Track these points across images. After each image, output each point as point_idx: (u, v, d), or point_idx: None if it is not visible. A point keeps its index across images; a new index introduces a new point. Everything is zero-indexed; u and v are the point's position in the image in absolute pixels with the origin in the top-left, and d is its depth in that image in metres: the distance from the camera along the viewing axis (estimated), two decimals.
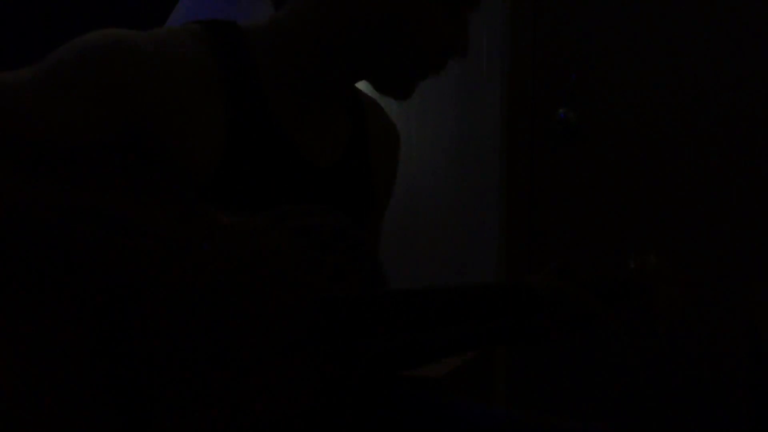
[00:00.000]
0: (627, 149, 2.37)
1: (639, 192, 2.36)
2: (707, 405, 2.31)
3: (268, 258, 0.84)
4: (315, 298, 0.86)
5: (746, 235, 2.26)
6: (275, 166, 0.93)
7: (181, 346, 0.80)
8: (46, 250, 0.76)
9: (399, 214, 2.43)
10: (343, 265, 0.89)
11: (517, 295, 1.01)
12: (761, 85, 2.25)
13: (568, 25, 2.42)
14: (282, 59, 0.96)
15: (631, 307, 1.08)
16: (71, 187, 0.79)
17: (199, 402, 0.81)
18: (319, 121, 1.00)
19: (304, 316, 0.85)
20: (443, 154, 2.47)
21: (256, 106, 0.93)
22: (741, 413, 2.26)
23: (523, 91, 2.43)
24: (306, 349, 0.86)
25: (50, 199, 0.78)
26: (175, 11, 1.77)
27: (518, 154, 2.43)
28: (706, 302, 2.21)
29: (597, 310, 1.02)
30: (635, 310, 1.07)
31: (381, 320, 0.90)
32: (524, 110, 2.43)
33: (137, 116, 0.85)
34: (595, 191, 2.40)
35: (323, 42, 0.96)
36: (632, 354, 2.35)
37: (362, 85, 1.07)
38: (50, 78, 0.83)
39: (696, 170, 2.31)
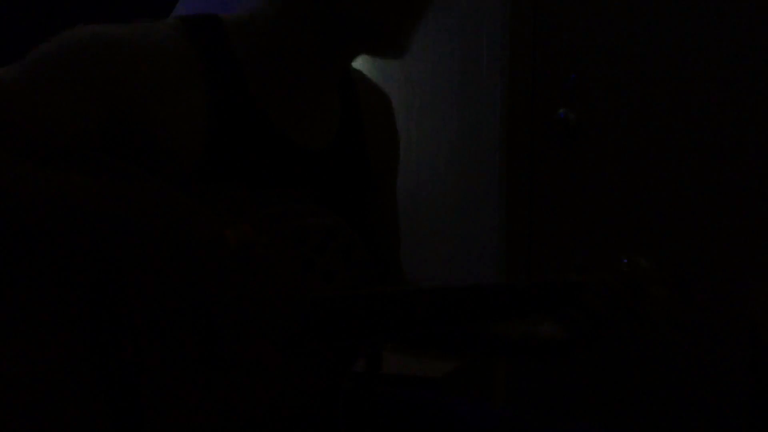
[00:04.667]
0: (627, 149, 2.37)
1: (639, 192, 2.36)
2: (707, 405, 2.31)
3: (260, 259, 0.84)
4: (306, 298, 0.86)
5: (747, 235, 2.26)
6: (261, 152, 0.93)
7: (173, 346, 0.80)
8: (36, 249, 0.76)
9: (398, 214, 2.42)
10: (334, 266, 0.89)
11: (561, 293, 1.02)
12: (761, 84, 2.25)
13: (568, 25, 2.41)
14: (264, 47, 0.96)
15: (623, 308, 1.08)
16: (59, 183, 0.79)
17: (190, 402, 0.81)
18: (308, 105, 1.00)
19: (295, 317, 0.85)
20: (443, 154, 2.46)
21: (237, 93, 0.93)
22: (741, 413, 2.26)
23: (523, 91, 2.42)
24: (297, 350, 0.86)
25: (39, 196, 0.77)
26: (176, 11, 1.77)
27: (518, 154, 2.43)
28: (706, 302, 2.21)
29: (630, 308, 1.04)
30: (627, 311, 1.07)
31: (373, 320, 0.90)
32: (524, 110, 2.43)
33: (121, 108, 0.85)
34: (595, 191, 2.40)
35: (303, 21, 0.95)
36: (632, 354, 2.35)
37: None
38: (34, 73, 0.83)
39: (696, 170, 2.31)
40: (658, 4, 2.34)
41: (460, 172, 2.46)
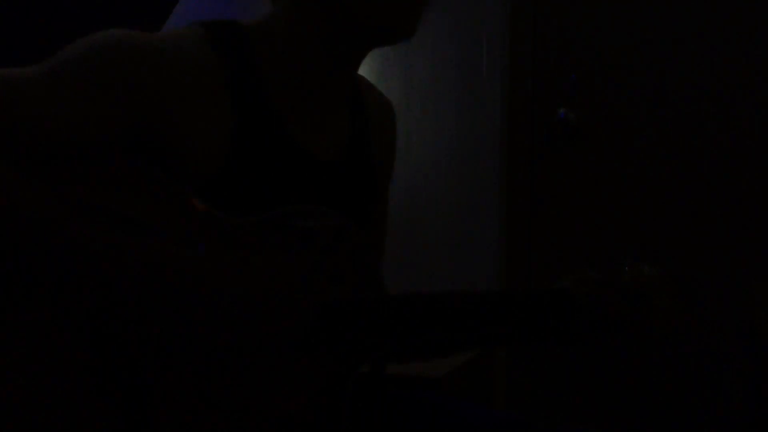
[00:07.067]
0: (627, 149, 2.37)
1: (640, 192, 2.36)
2: (707, 405, 2.31)
3: (267, 261, 0.84)
4: (314, 301, 0.86)
5: (747, 235, 2.26)
6: (281, 163, 0.94)
7: (180, 348, 0.80)
8: (47, 249, 0.76)
9: (398, 215, 2.42)
10: (342, 269, 0.89)
11: (554, 302, 1.00)
12: (762, 84, 2.25)
13: (568, 25, 2.42)
14: (283, 54, 0.95)
15: (627, 316, 1.07)
16: (74, 186, 0.79)
17: (196, 404, 0.81)
18: (322, 115, 1.00)
19: (302, 319, 0.85)
20: (443, 154, 2.46)
21: (261, 103, 0.93)
22: (741, 413, 2.26)
23: (523, 91, 2.42)
24: (304, 352, 0.86)
25: (53, 198, 0.78)
26: (175, 11, 1.77)
27: (518, 154, 2.43)
28: (706, 303, 2.21)
29: (632, 318, 1.03)
30: (632, 319, 1.06)
31: (380, 324, 0.89)
32: (524, 110, 2.43)
33: (145, 115, 0.85)
34: (595, 191, 2.40)
35: (314, 17, 0.95)
36: (632, 355, 2.35)
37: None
38: (59, 76, 0.83)
39: (697, 170, 2.31)
40: (659, 4, 2.34)
41: (460, 173, 2.46)
